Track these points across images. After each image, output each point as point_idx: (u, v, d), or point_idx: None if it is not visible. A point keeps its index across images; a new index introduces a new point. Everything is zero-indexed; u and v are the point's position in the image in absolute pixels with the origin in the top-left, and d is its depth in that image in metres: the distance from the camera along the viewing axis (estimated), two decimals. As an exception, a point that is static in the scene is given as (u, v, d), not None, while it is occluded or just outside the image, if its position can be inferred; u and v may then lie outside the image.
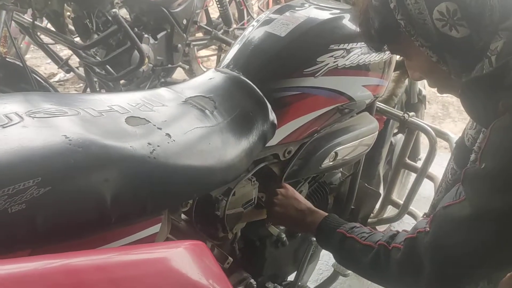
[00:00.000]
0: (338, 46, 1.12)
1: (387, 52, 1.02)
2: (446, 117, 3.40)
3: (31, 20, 1.95)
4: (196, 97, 1.01)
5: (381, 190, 1.77)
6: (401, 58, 1.19)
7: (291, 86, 1.09)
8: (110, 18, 1.82)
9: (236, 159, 0.97)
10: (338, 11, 1.20)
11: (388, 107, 1.51)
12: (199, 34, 2.89)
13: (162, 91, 1.03)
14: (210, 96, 1.02)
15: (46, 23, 2.22)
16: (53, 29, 2.10)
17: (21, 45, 2.90)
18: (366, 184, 1.60)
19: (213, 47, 3.30)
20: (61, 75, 3.49)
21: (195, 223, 1.04)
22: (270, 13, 1.24)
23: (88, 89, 2.22)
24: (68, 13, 2.10)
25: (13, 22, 2.16)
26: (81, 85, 3.27)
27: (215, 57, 3.43)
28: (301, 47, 1.12)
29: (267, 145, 1.08)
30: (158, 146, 0.83)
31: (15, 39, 2.51)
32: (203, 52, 3.39)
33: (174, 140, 0.86)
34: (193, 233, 1.04)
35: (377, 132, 1.41)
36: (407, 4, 0.76)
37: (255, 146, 1.03)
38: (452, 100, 3.53)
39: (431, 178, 1.49)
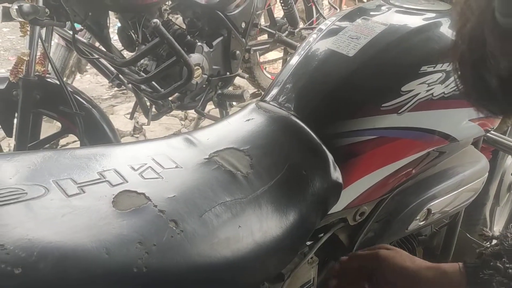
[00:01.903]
0: (434, 67, 0.77)
1: None
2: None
3: (71, 33, 1.76)
4: (225, 150, 0.72)
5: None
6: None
7: (363, 128, 0.76)
8: (151, 28, 1.58)
9: (282, 244, 0.67)
10: (432, 14, 0.85)
11: (500, 136, 1.12)
12: (264, 37, 2.59)
13: (181, 141, 0.75)
14: (246, 149, 0.72)
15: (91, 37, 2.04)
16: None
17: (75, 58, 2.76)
18: (468, 235, 1.23)
19: (280, 48, 2.98)
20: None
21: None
22: (337, 20, 0.92)
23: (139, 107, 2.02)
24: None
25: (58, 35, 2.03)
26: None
27: (281, 60, 3.11)
28: (377, 71, 0.79)
29: (329, 212, 0.77)
30: (155, 245, 0.54)
31: (72, 50, 2.39)
32: (270, 55, 3.09)
33: (182, 231, 0.57)
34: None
35: (487, 174, 1.04)
36: None
37: (311, 220, 0.72)
38: None
39: None
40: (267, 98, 0.85)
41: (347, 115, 0.77)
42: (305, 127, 0.75)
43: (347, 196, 0.78)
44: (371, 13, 0.91)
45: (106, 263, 0.50)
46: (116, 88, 3.39)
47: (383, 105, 0.76)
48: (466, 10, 0.40)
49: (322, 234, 0.84)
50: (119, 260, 0.51)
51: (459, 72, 0.43)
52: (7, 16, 1.51)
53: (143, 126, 2.72)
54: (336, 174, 0.74)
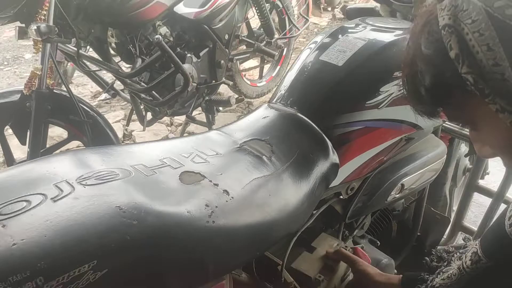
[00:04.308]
0: (403, 72, 1.02)
1: None
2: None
3: (75, 49, 1.94)
4: (251, 141, 0.94)
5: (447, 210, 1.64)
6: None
7: (352, 121, 1.00)
8: (153, 44, 1.78)
9: (298, 209, 0.89)
10: (400, 31, 1.10)
11: (455, 126, 1.38)
12: (242, 47, 2.83)
13: (214, 135, 0.96)
14: (266, 139, 0.95)
15: (88, 49, 2.21)
16: (96, 56, 2.09)
17: (67, 67, 2.92)
18: (432, 209, 1.49)
19: (257, 59, 3.22)
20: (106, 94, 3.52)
21: (257, 275, 0.97)
22: (324, 38, 1.15)
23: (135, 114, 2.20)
24: (111, 39, 2.08)
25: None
26: (126, 103, 3.29)
27: (258, 68, 3.35)
28: (361, 77, 1.02)
29: (330, 186, 1.00)
30: (217, 207, 0.76)
31: (60, 63, 2.54)
32: (247, 64, 3.32)
33: (232, 198, 0.79)
34: (255, 285, 0.97)
35: (445, 156, 1.30)
36: (476, 52, 0.52)
37: (318, 191, 0.94)
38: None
39: (509, 203, 1.35)
40: (275, 100, 1.07)
41: (340, 111, 1.00)
42: (309, 121, 0.98)
43: (343, 173, 1.01)
44: (351, 30, 1.15)
45: (189, 218, 0.71)
46: (98, 99, 3.55)
47: (366, 102, 1.00)
48: (408, 47, 0.63)
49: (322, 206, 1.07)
50: (197, 216, 0.72)
51: (406, 86, 0.65)
52: (22, 35, 1.68)
53: (132, 133, 2.89)
54: (334, 157, 0.97)
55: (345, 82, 1.02)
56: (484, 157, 0.72)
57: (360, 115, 1.00)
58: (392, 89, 1.01)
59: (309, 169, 0.93)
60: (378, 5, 1.41)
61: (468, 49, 0.53)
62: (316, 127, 0.98)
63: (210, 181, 0.81)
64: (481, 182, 1.57)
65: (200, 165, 0.85)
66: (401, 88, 0.99)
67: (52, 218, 0.63)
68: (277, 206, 0.85)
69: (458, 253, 0.92)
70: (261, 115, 1.02)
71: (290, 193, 0.88)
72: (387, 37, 1.08)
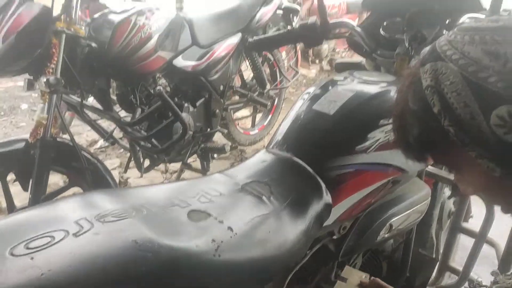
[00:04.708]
0: (388, 120, 1.12)
1: None
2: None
3: (78, 99, 2.04)
4: (251, 183, 1.02)
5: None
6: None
7: (344, 164, 1.09)
8: (155, 94, 1.89)
9: (295, 245, 0.96)
10: (385, 84, 1.21)
11: (438, 170, 1.48)
12: (236, 97, 2.96)
13: (217, 177, 1.05)
14: (265, 181, 1.03)
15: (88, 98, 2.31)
16: (98, 105, 2.19)
17: (65, 116, 3.01)
18: (420, 250, 1.56)
19: (249, 109, 3.36)
20: (102, 142, 3.60)
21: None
22: (316, 89, 1.27)
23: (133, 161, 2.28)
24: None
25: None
26: (122, 150, 3.37)
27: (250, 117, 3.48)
28: (351, 124, 1.13)
29: (323, 225, 1.07)
30: (222, 241, 0.83)
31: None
32: (240, 113, 3.46)
33: (236, 234, 0.86)
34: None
35: (429, 199, 1.39)
36: (455, 108, 0.60)
37: (313, 229, 1.02)
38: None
39: (491, 244, 1.43)
40: (272, 146, 1.17)
41: (333, 155, 1.10)
42: (304, 164, 1.07)
43: (335, 213, 1.09)
44: (340, 83, 1.26)
45: (197, 252, 0.78)
46: (94, 147, 3.63)
47: (356, 147, 1.10)
48: (397, 103, 0.72)
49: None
50: (204, 250, 0.79)
51: (396, 135, 0.74)
52: (30, 86, 1.78)
53: (128, 180, 2.95)
54: (327, 198, 1.06)
55: (336, 129, 1.12)
56: (468, 194, 0.79)
57: (350, 159, 1.09)
58: (378, 135, 1.11)
59: (305, 208, 1.01)
60: (364, 59, 1.54)
61: (448, 105, 0.61)
62: (311, 170, 1.07)
63: (215, 218, 0.88)
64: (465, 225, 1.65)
65: (205, 204, 0.93)
66: (387, 134, 1.11)
67: (75, 251, 0.70)
68: (276, 242, 0.92)
69: None
70: (260, 159, 1.11)
71: (288, 231, 0.96)
72: (373, 89, 1.19)
